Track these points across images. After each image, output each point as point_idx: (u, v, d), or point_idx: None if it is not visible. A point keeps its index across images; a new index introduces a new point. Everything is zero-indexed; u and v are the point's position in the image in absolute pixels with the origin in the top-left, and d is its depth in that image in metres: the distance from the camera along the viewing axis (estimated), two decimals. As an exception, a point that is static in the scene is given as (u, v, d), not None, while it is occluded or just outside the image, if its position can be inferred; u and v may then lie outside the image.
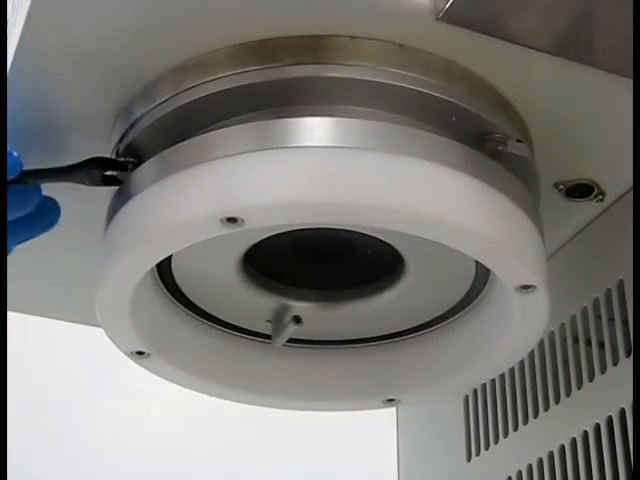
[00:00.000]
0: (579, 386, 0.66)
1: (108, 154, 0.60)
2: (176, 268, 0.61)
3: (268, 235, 0.58)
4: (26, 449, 1.06)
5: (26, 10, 0.54)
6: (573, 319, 0.68)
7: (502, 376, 0.73)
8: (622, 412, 0.62)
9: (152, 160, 0.56)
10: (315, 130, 0.53)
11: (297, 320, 0.62)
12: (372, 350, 0.67)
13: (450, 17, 0.54)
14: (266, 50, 0.55)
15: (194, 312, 0.64)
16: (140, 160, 0.57)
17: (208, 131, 0.55)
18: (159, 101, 0.57)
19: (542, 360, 0.70)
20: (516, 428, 0.71)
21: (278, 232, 0.58)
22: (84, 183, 0.59)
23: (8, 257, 0.61)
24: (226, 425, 1.10)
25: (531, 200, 0.58)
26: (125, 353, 0.61)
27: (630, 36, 0.54)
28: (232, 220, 0.52)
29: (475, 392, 0.76)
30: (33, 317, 0.77)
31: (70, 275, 0.71)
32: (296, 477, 1.13)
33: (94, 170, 0.58)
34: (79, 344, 1.04)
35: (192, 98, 0.56)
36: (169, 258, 0.59)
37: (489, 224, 0.54)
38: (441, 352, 0.65)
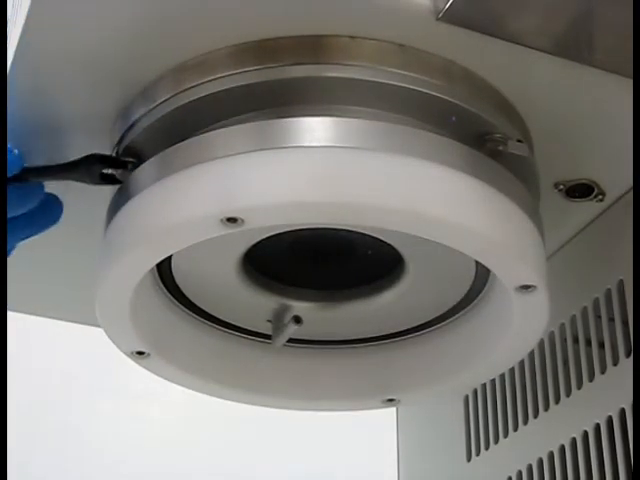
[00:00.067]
0: (579, 386, 0.66)
1: (108, 154, 0.60)
2: (176, 268, 0.61)
3: (268, 235, 0.58)
4: (26, 449, 1.07)
5: (26, 10, 0.54)
6: (573, 319, 0.68)
7: (502, 376, 0.73)
8: (622, 412, 0.62)
9: (152, 160, 0.56)
10: (315, 130, 0.53)
11: (297, 320, 0.62)
12: (372, 350, 0.67)
13: (450, 17, 0.54)
14: (266, 50, 0.55)
15: (194, 312, 0.64)
16: (140, 160, 0.57)
17: (208, 131, 0.55)
18: (159, 101, 0.57)
19: (542, 360, 0.70)
20: (516, 428, 0.71)
21: (278, 232, 0.58)
22: (84, 181, 0.59)
23: (10, 255, 0.61)
24: (226, 425, 1.10)
25: (531, 200, 0.58)
26: (125, 353, 0.61)
27: (630, 36, 0.54)
28: (232, 220, 0.52)
29: (475, 392, 0.76)
30: (33, 317, 0.77)
31: (70, 275, 0.71)
32: (296, 477, 1.13)
33: (93, 167, 0.58)
34: (79, 344, 1.04)
35: (192, 98, 0.56)
36: (169, 258, 0.59)
37: (489, 224, 0.54)
38: (441, 352, 0.65)
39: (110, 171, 0.58)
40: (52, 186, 0.60)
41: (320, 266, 0.64)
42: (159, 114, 0.57)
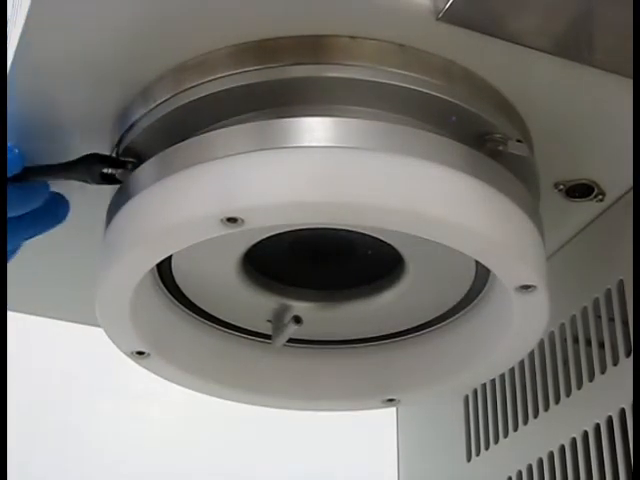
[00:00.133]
0: (579, 386, 0.66)
1: (108, 154, 0.60)
2: (176, 268, 0.61)
3: (268, 235, 0.58)
4: (26, 449, 1.07)
5: (26, 10, 0.54)
6: (573, 319, 0.68)
7: (502, 376, 0.73)
8: (622, 412, 0.62)
9: (152, 160, 0.56)
10: (315, 130, 0.53)
11: (297, 320, 0.62)
12: (372, 350, 0.67)
13: (450, 17, 0.54)
14: (266, 50, 0.55)
15: (194, 312, 0.64)
16: (140, 160, 0.57)
17: (208, 131, 0.55)
18: (159, 101, 0.57)
19: (542, 360, 0.70)
20: (516, 428, 0.71)
21: (278, 232, 0.58)
22: (84, 181, 0.59)
23: (17, 254, 0.61)
24: (226, 425, 1.10)
25: (531, 200, 0.58)
26: (125, 353, 0.61)
27: (630, 36, 0.54)
28: (232, 220, 0.52)
29: (475, 392, 0.76)
30: (33, 317, 0.77)
31: (70, 275, 0.71)
32: (296, 477, 1.13)
33: (93, 167, 0.58)
34: (79, 344, 1.04)
35: (192, 98, 0.56)
36: (169, 258, 0.59)
37: (489, 224, 0.54)
38: (441, 352, 0.65)
39: (110, 171, 0.58)
40: (53, 186, 0.60)
41: (320, 266, 0.64)
42: (159, 114, 0.57)
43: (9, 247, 0.60)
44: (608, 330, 0.65)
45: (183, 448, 1.11)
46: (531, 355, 0.70)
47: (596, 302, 0.66)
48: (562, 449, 0.66)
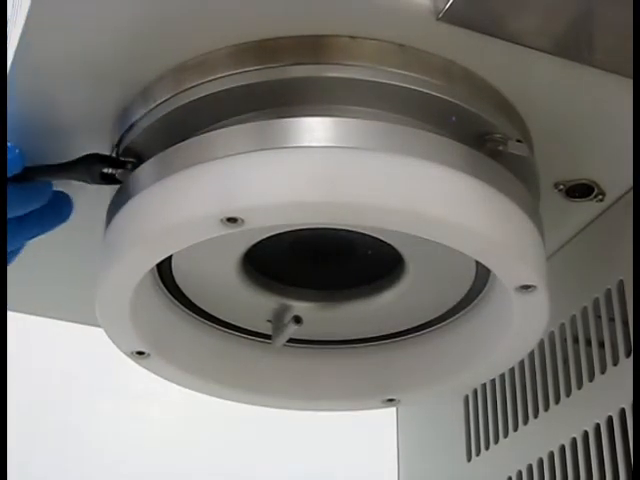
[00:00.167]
0: (579, 386, 0.66)
1: (108, 154, 0.60)
2: (176, 268, 0.61)
3: (268, 235, 0.58)
4: (26, 449, 1.07)
5: (26, 10, 0.54)
6: (573, 319, 0.68)
7: (502, 376, 0.73)
8: (622, 412, 0.62)
9: (152, 160, 0.56)
10: (315, 130, 0.53)
11: (297, 320, 0.62)
12: (372, 350, 0.67)
13: (450, 17, 0.54)
14: (266, 50, 0.55)
15: (194, 312, 0.64)
16: (140, 160, 0.57)
17: (208, 131, 0.55)
18: (159, 101, 0.57)
19: (542, 360, 0.70)
20: (516, 428, 0.71)
21: (278, 232, 0.58)
22: (84, 180, 0.59)
23: (20, 253, 0.61)
24: (226, 425, 1.10)
25: (531, 200, 0.58)
26: (125, 353, 0.61)
27: (630, 36, 0.54)
28: (232, 220, 0.52)
29: (475, 392, 0.76)
30: (33, 317, 0.77)
31: (70, 275, 0.71)
32: (296, 477, 1.13)
33: (93, 167, 0.58)
34: (79, 344, 1.04)
35: (192, 98, 0.56)
36: (169, 258, 0.59)
37: (489, 224, 0.54)
38: (441, 352, 0.65)
39: (110, 171, 0.58)
40: (55, 185, 0.60)
41: (320, 266, 0.64)
42: (159, 114, 0.57)
43: (12, 247, 0.60)
44: (608, 330, 0.65)
45: (183, 448, 1.11)
46: (531, 355, 0.70)
47: (596, 302, 0.66)
48: (562, 449, 0.66)
